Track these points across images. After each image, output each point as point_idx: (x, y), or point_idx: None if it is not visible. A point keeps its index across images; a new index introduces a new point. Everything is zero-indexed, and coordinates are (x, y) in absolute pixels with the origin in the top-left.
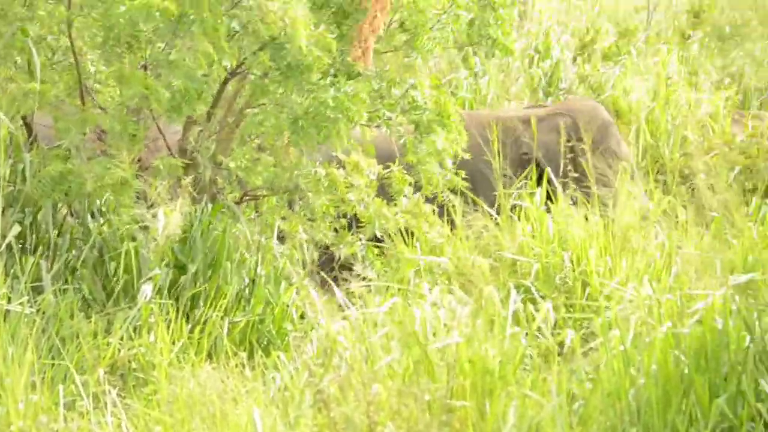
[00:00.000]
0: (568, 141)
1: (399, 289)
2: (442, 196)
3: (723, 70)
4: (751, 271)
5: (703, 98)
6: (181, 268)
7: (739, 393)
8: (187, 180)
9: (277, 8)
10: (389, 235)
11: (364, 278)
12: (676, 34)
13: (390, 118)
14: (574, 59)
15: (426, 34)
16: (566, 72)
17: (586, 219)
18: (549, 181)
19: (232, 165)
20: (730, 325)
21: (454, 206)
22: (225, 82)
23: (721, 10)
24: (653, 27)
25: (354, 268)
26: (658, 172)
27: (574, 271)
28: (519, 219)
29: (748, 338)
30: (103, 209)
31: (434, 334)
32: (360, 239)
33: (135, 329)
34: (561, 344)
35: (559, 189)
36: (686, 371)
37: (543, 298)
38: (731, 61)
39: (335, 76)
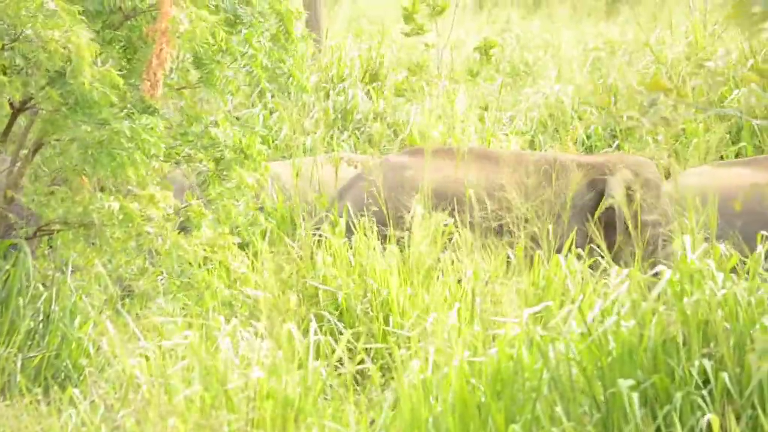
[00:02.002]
0: (630, 194)
1: (198, 323)
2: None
3: (513, 107)
4: (546, 300)
5: (497, 134)
6: None
7: (534, 419)
8: None
9: (59, 36)
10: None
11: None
12: (466, 71)
13: (189, 155)
14: (368, 93)
15: (221, 71)
16: (362, 106)
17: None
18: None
19: (24, 200)
20: (524, 354)
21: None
22: (13, 116)
23: (512, 49)
24: (444, 64)
25: (157, 301)
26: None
27: (375, 301)
28: (320, 250)
29: (542, 365)
30: None
31: (234, 368)
32: (162, 273)
33: None
34: (362, 374)
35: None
36: (483, 399)
37: (345, 328)
38: (523, 97)
39: (130, 110)
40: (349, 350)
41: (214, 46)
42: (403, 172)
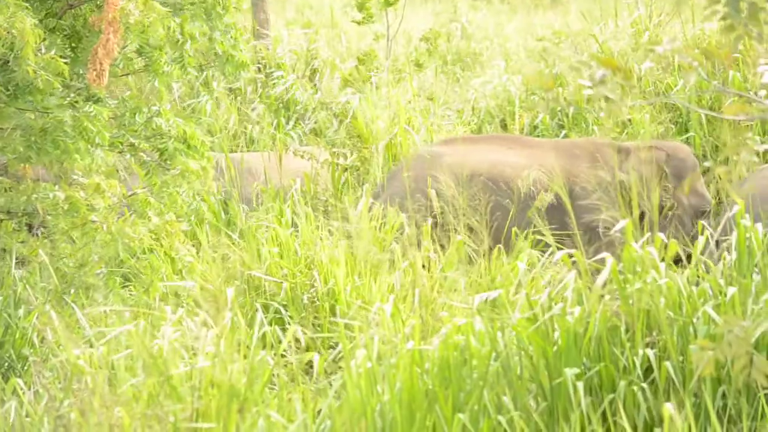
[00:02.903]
0: (662, 175)
1: (143, 312)
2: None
3: (460, 98)
4: (495, 288)
5: (443, 124)
6: None
7: (481, 407)
8: None
9: (2, 21)
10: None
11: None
12: (414, 61)
13: (133, 144)
14: (313, 84)
15: (162, 58)
16: (307, 96)
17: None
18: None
19: None
20: (472, 342)
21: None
22: None
23: (458, 39)
24: (392, 54)
25: (102, 291)
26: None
27: (322, 291)
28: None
29: (489, 353)
30: None
31: (179, 357)
32: (106, 263)
33: None
34: (309, 363)
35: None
36: (431, 387)
37: (291, 318)
38: (469, 88)
39: (74, 99)
40: (297, 340)
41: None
42: (441, 160)
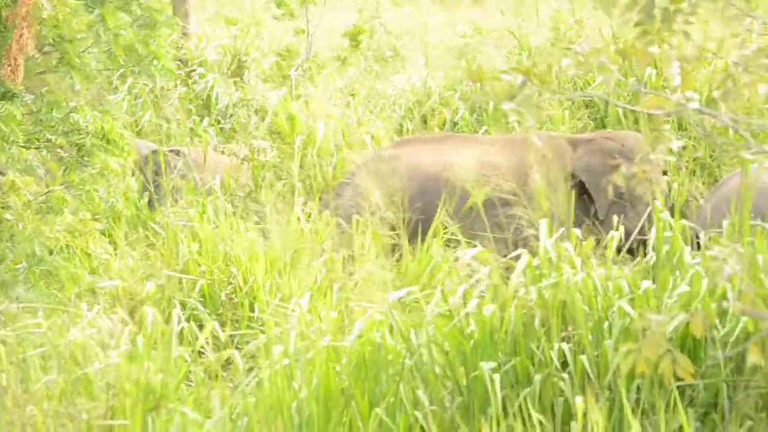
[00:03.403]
0: (614, 164)
1: (59, 309)
2: None
3: (381, 93)
4: (409, 284)
5: (363, 120)
6: None
7: (398, 402)
8: None
9: None
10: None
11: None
12: (335, 57)
13: (50, 141)
14: (234, 79)
15: (75, 50)
16: (226, 92)
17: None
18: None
19: None
20: (388, 339)
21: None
22: None
23: (380, 36)
24: (313, 50)
25: (17, 289)
26: (321, 191)
27: (240, 288)
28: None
29: (406, 350)
30: None
31: (94, 354)
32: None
33: None
34: (228, 360)
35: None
36: (347, 384)
37: (209, 315)
38: (389, 84)
39: None
40: (215, 337)
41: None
42: (396, 163)
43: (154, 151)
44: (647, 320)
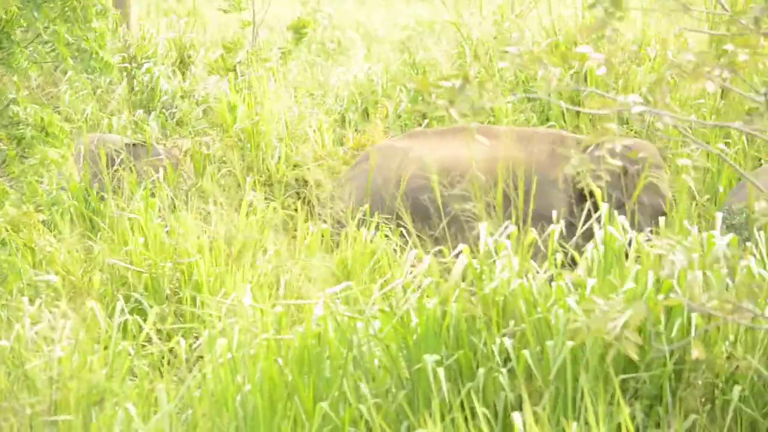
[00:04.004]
0: (623, 170)
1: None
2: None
3: (325, 86)
4: (351, 279)
5: (306, 112)
6: None
7: (341, 396)
8: None
9: None
10: None
11: None
12: (280, 50)
13: None
14: (179, 72)
15: (21, 53)
16: (170, 85)
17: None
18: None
19: None
20: (330, 332)
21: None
22: None
23: (323, 29)
24: (258, 42)
25: None
26: (265, 183)
27: (185, 282)
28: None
29: (348, 344)
30: None
31: (36, 349)
32: None
33: None
34: (172, 354)
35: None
36: (290, 377)
37: (152, 308)
38: (332, 76)
39: None
40: (159, 331)
41: (13, 23)
42: (407, 154)
43: (128, 144)
44: (593, 303)
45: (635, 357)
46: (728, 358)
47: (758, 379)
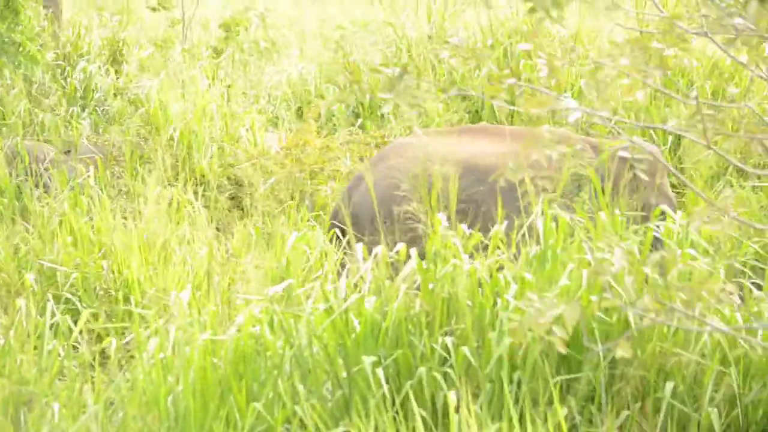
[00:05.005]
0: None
1: None
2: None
3: (258, 86)
4: (289, 278)
5: (239, 112)
6: None
7: (277, 396)
8: None
9: None
10: None
11: None
12: (211, 48)
13: None
14: (112, 70)
15: None
16: (102, 83)
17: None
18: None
19: None
20: (266, 332)
21: None
22: None
23: (256, 27)
24: (189, 41)
25: None
26: (197, 183)
27: (116, 280)
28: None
29: (284, 344)
30: None
31: None
32: None
33: None
34: (102, 353)
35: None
36: (225, 377)
37: (84, 308)
38: (265, 75)
39: None
40: (90, 331)
41: None
42: (424, 150)
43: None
44: (529, 299)
45: (563, 351)
46: (661, 353)
47: (691, 375)
